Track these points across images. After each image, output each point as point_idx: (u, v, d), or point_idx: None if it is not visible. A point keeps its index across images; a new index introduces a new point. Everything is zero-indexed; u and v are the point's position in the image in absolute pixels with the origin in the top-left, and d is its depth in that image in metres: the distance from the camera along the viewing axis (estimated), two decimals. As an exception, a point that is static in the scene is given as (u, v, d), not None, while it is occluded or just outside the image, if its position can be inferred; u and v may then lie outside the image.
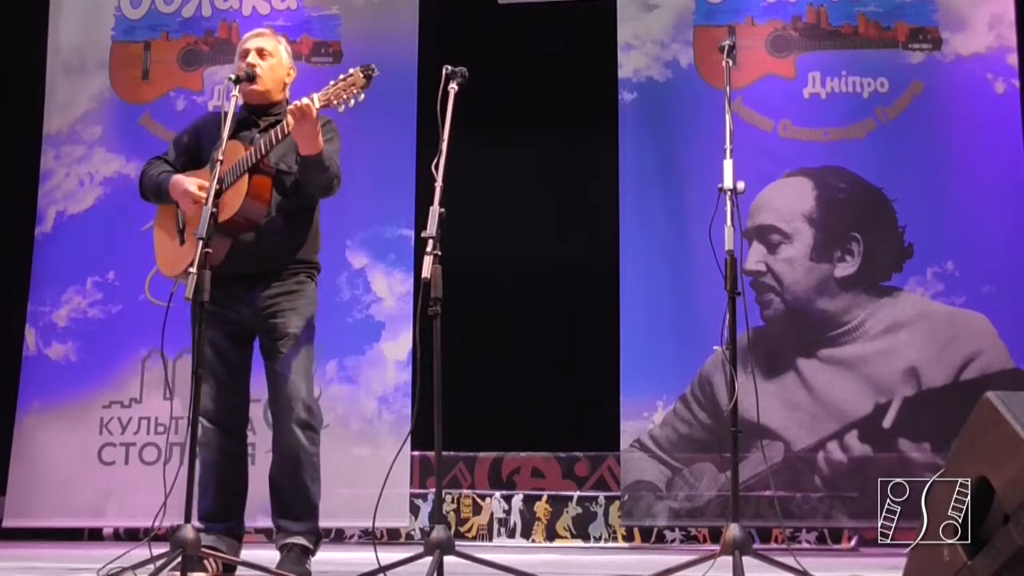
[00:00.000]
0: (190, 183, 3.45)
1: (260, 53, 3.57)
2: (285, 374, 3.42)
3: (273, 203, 3.44)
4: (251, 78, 3.50)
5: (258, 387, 3.57)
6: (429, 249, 3.11)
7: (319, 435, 3.46)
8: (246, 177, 3.36)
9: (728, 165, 3.37)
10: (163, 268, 3.60)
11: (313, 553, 3.42)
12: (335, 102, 3.25)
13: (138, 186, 3.69)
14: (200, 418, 3.45)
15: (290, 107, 3.28)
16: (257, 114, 3.57)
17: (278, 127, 3.35)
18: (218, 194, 3.21)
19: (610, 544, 5.79)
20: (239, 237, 3.40)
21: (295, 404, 3.40)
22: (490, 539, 5.87)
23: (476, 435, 5.97)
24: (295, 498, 3.41)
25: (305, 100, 3.25)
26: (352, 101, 3.26)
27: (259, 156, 3.36)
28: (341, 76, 3.27)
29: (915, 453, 5.39)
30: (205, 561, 3.20)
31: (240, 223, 3.37)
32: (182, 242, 3.50)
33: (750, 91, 5.86)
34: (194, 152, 3.60)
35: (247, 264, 3.42)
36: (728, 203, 3.33)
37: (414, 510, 5.90)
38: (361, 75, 3.23)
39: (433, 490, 5.73)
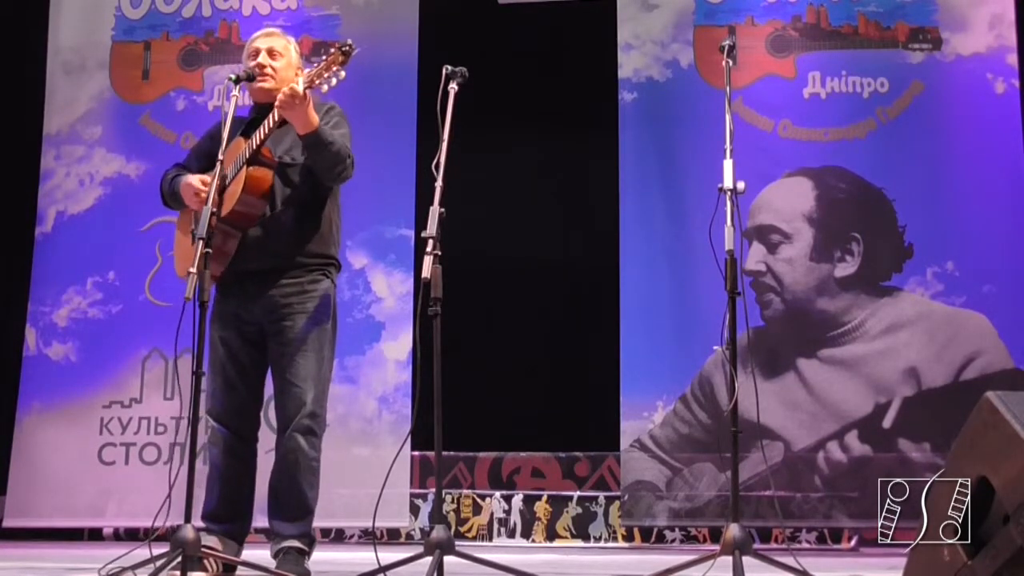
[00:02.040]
0: (194, 179, 3.46)
1: (270, 53, 3.57)
2: (291, 380, 3.41)
3: (279, 196, 3.43)
4: (251, 78, 3.50)
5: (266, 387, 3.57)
6: (429, 249, 3.11)
7: (321, 440, 3.46)
8: (244, 170, 3.37)
9: (728, 165, 3.37)
10: (176, 268, 3.62)
11: (308, 555, 3.42)
12: (317, 82, 3.26)
13: (160, 195, 3.70)
14: (209, 418, 3.47)
15: (279, 96, 3.28)
16: (266, 113, 3.56)
17: (268, 116, 3.35)
18: (221, 192, 3.21)
19: (610, 544, 5.79)
20: (248, 233, 3.41)
21: (299, 411, 3.39)
22: (490, 539, 5.87)
23: (476, 435, 5.97)
24: (291, 501, 3.40)
25: (291, 85, 3.26)
26: (334, 80, 3.25)
27: (254, 148, 3.36)
28: (323, 56, 3.28)
29: (915, 453, 5.39)
30: (205, 561, 3.20)
31: (240, 217, 3.37)
32: (193, 242, 3.51)
33: (750, 91, 5.86)
34: (212, 156, 3.60)
35: (258, 260, 3.42)
36: (728, 203, 3.33)
37: (414, 510, 5.90)
38: (339, 52, 3.23)
39: (433, 490, 5.73)
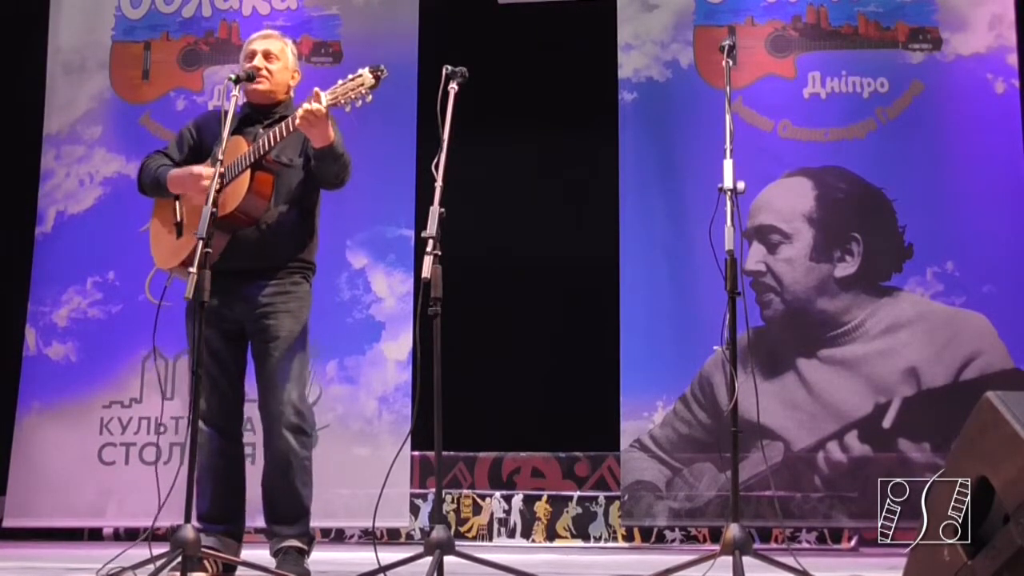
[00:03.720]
0: (197, 167, 3.44)
1: (267, 55, 3.57)
2: (276, 378, 3.41)
3: (272, 199, 3.43)
4: (251, 78, 3.50)
5: (253, 386, 3.56)
6: (429, 249, 3.11)
7: (311, 439, 3.46)
8: (248, 173, 3.36)
9: (728, 165, 3.37)
10: (159, 261, 3.59)
11: (307, 554, 3.42)
12: (342, 102, 3.24)
13: (136, 178, 3.67)
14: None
15: (300, 111, 3.26)
16: (260, 113, 3.56)
17: (282, 124, 3.34)
18: (218, 191, 3.21)
19: (610, 544, 5.79)
20: (238, 233, 3.40)
21: (285, 408, 3.39)
22: (490, 539, 5.87)
23: (476, 435, 5.97)
24: (287, 502, 3.40)
25: (313, 104, 3.23)
26: (359, 102, 3.24)
27: (262, 152, 3.36)
28: (349, 76, 3.26)
29: (915, 453, 5.39)
30: (205, 561, 3.20)
31: (240, 218, 3.37)
32: (179, 235, 3.49)
33: (750, 91, 5.85)
34: (196, 148, 3.60)
35: (246, 260, 3.42)
36: (728, 203, 3.33)
37: (414, 510, 5.90)
38: (370, 76, 3.21)
39: (433, 490, 5.73)
